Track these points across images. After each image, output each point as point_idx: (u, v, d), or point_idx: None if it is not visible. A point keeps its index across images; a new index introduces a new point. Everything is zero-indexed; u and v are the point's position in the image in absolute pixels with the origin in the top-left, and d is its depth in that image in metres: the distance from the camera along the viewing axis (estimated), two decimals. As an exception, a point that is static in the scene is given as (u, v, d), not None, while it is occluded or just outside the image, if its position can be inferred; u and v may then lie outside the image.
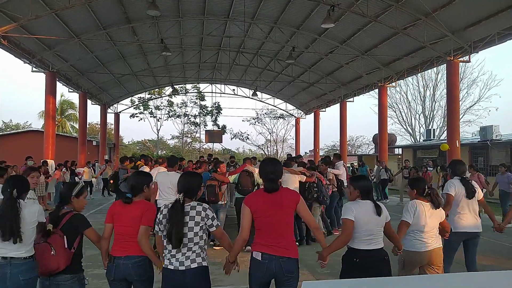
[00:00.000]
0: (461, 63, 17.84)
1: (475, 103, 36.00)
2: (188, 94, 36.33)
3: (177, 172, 6.78)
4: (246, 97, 31.73)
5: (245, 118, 40.39)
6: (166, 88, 32.64)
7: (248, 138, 41.81)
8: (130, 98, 33.00)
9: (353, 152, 44.31)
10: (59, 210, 3.21)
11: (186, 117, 38.67)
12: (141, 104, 35.61)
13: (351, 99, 25.44)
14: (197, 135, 40.45)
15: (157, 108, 37.31)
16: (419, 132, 38.68)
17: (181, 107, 37.99)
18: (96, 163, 21.29)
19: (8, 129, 40.30)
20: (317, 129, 30.55)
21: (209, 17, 17.83)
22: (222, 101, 38.68)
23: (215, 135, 32.98)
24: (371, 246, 3.29)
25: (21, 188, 3.11)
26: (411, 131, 39.61)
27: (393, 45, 17.27)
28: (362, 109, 77.53)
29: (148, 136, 48.44)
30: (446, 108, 19.90)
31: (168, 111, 37.94)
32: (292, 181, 7.22)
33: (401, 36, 15.97)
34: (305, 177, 7.56)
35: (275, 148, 44.22)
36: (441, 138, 31.94)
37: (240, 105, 77.17)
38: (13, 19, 13.62)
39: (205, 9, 17.04)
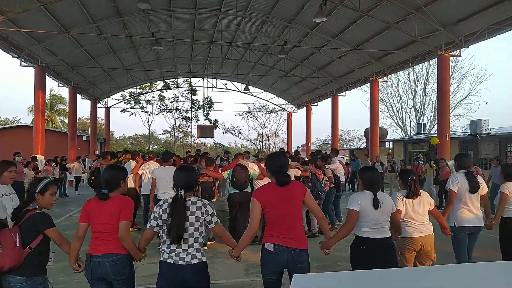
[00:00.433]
0: (451, 57, 17.99)
1: (465, 97, 36.27)
2: (179, 88, 36.07)
3: (172, 167, 6.76)
4: (238, 91, 31.61)
5: (237, 112, 40.50)
6: (158, 82, 32.35)
7: (240, 133, 41.77)
8: (120, 93, 32.69)
9: (344, 146, 44.50)
10: (24, 207, 3.08)
11: (178, 112, 38.39)
12: (132, 99, 35.28)
13: (343, 94, 25.51)
14: (189, 129, 40.27)
15: (148, 102, 36.97)
16: (410, 126, 39.01)
17: (172, 101, 37.70)
18: (87, 158, 21.11)
19: (-4, 124, 39.75)
20: (309, 124, 30.64)
21: (200, 11, 17.67)
22: (214, 95, 38.60)
23: (207, 130, 32.83)
24: (377, 235, 3.40)
25: None
26: (402, 125, 39.94)
27: (385, 40, 17.33)
28: (354, 103, 78.03)
29: (139, 131, 48.22)
30: (436, 102, 20.06)
31: (159, 106, 37.64)
32: None
33: (392, 30, 16.03)
34: (300, 171, 7.60)
35: (267, 142, 44.24)
36: (431, 132, 32.26)
37: (232, 100, 77.29)
38: (0, 13, 13.31)
39: (196, 3, 16.89)
